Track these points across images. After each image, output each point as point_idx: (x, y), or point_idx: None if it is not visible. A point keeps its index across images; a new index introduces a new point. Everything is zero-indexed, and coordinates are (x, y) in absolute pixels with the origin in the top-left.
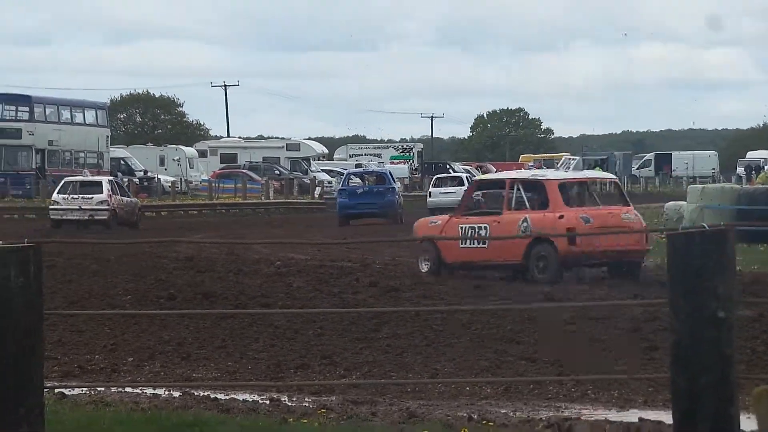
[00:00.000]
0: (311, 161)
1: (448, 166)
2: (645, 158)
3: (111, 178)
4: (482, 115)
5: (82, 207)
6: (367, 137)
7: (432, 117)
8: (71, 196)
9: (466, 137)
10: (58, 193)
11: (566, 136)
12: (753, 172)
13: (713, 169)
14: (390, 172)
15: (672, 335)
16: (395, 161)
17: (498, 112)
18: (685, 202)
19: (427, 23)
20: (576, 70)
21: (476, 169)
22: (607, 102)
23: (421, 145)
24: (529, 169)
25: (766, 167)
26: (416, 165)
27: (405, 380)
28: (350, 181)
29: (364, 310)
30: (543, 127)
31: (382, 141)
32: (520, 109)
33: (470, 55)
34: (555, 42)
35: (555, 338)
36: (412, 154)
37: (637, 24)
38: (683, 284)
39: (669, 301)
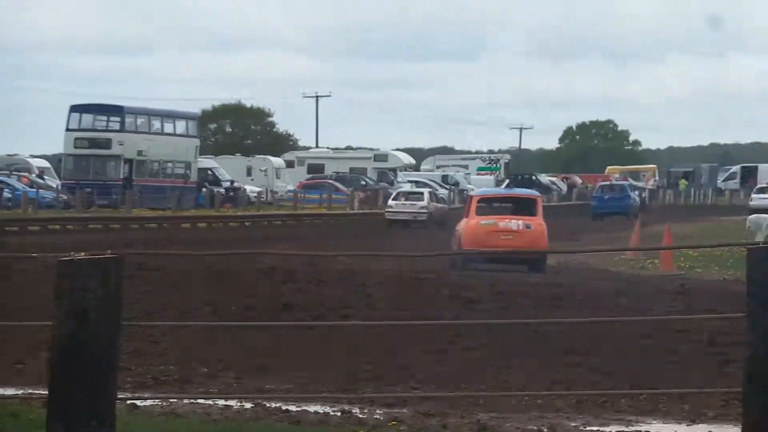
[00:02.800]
0: (398, 172)
1: (534, 178)
2: (731, 171)
3: (430, 189)
4: (571, 127)
5: (409, 210)
6: (455, 148)
7: (521, 128)
8: (401, 202)
9: (554, 149)
10: (392, 200)
11: (654, 148)
12: None
13: None
14: (629, 184)
15: (748, 349)
16: (482, 172)
17: (587, 124)
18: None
19: (517, 34)
20: (667, 81)
21: (562, 180)
22: (696, 114)
23: (509, 157)
24: (615, 180)
25: None
26: (503, 176)
27: (477, 393)
28: (601, 190)
29: (440, 323)
30: (631, 138)
31: (469, 152)
32: (609, 121)
33: (560, 66)
34: (646, 53)
35: (629, 351)
36: (498, 165)
37: (728, 35)
38: (762, 298)
39: (747, 315)
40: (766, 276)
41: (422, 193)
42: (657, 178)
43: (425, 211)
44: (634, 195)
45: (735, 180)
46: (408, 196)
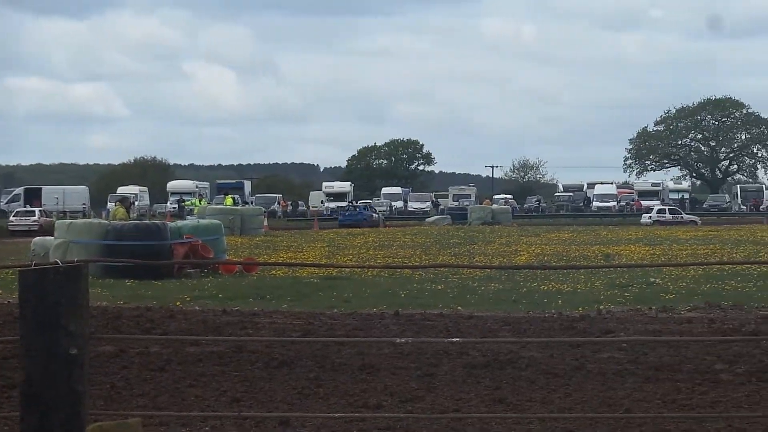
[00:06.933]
0: None
1: None
2: (14, 192)
3: (41, 208)
4: None
5: (25, 223)
6: None
7: None
8: (20, 218)
9: None
10: (13, 216)
11: None
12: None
13: (84, 204)
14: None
15: (24, 373)
16: None
17: None
18: (53, 238)
19: None
20: None
21: None
22: None
23: None
24: None
25: (136, 203)
26: None
27: None
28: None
29: None
30: None
31: None
32: None
33: None
34: None
35: None
36: None
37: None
38: (35, 321)
39: (21, 338)
40: (37, 298)
41: (35, 211)
42: None
43: (37, 223)
44: (367, 212)
45: (19, 202)
46: (24, 213)
